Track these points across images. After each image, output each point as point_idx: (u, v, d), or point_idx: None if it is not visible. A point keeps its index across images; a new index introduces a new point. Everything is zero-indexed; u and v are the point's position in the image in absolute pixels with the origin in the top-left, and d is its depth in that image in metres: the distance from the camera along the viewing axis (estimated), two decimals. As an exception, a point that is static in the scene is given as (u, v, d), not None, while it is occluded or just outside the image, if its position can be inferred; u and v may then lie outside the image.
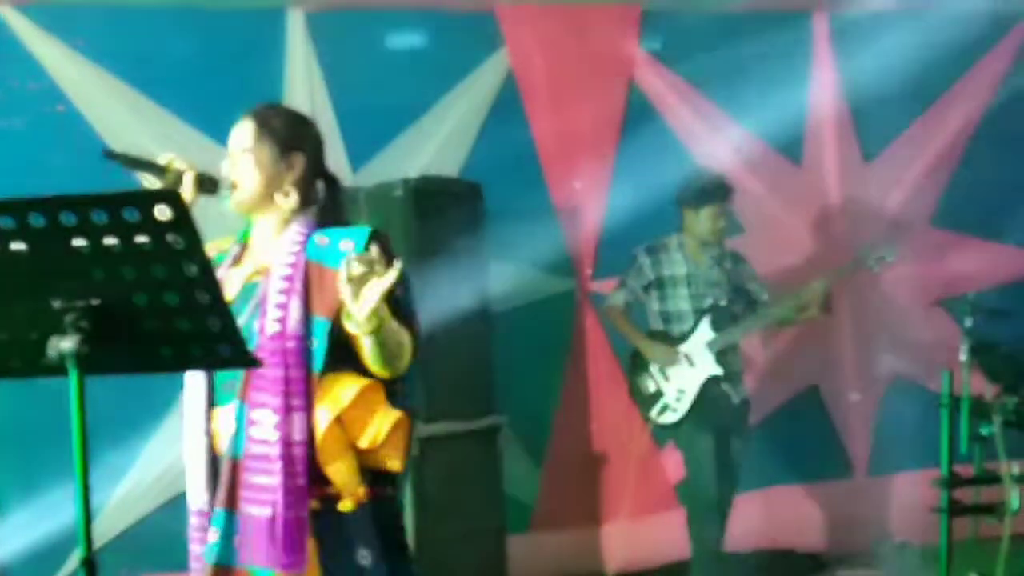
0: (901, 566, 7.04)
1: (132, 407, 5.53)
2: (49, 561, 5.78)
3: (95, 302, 2.54)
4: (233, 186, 3.32)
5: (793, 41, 7.21)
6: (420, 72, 6.58)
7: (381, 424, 3.22)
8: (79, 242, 2.48)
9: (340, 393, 3.20)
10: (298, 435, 3.16)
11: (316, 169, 3.44)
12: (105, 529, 5.80)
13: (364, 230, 3.30)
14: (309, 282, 3.23)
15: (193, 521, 3.34)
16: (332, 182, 3.48)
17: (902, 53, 6.83)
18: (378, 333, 3.03)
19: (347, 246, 3.23)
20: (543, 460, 6.98)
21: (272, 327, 3.18)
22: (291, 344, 3.18)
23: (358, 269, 2.92)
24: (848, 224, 7.40)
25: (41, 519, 5.63)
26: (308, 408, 3.19)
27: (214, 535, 3.21)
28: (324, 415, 3.18)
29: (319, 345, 3.19)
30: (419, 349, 3.34)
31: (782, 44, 7.04)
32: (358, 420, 3.22)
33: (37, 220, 2.46)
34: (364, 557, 3.26)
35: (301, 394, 3.18)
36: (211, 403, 3.32)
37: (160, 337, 2.62)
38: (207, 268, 2.54)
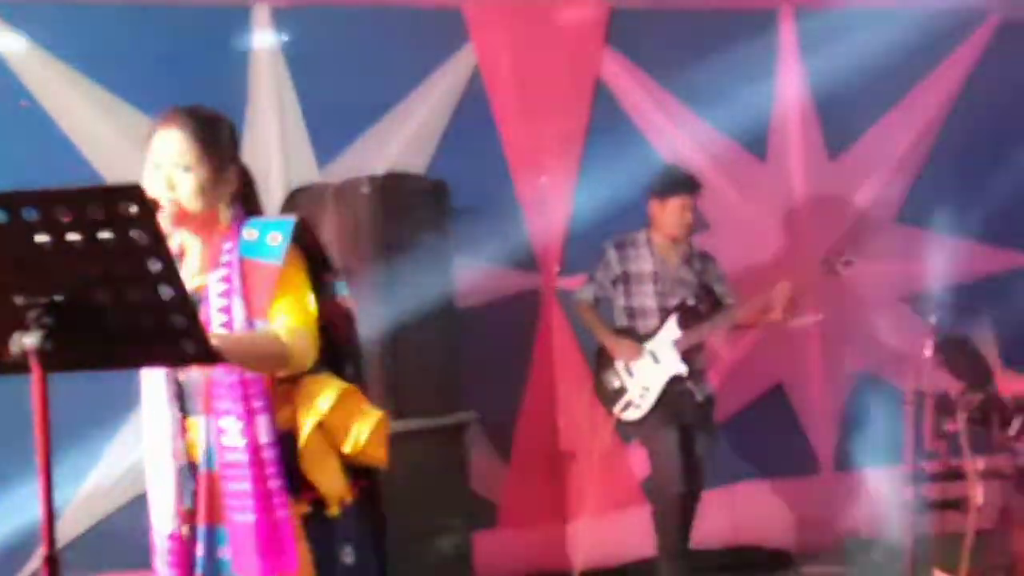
0: (867, 562, 7.06)
1: (96, 405, 5.49)
2: (12, 560, 5.75)
3: (58, 298, 2.53)
4: (174, 204, 3.20)
5: (759, 38, 7.22)
6: (386, 69, 6.56)
7: (362, 428, 3.24)
8: (42, 238, 2.46)
9: (319, 401, 3.20)
10: (264, 437, 3.15)
11: (241, 166, 3.40)
12: (69, 527, 5.77)
13: (288, 222, 3.25)
14: (247, 280, 3.20)
15: (163, 544, 3.28)
16: (249, 175, 3.44)
17: (868, 50, 6.85)
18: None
19: (275, 239, 3.21)
20: (510, 457, 6.97)
21: (218, 331, 3.14)
22: None
23: None
24: (813, 220, 7.41)
25: (4, 518, 5.60)
26: (270, 409, 3.17)
27: (200, 550, 3.20)
28: (306, 424, 3.19)
29: None
30: (353, 332, 3.38)
31: (748, 41, 7.05)
32: (339, 425, 3.24)
33: (-1, 215, 2.44)
34: (348, 555, 3.27)
35: (261, 395, 3.16)
36: (184, 413, 3.27)
37: (124, 334, 2.61)
38: (171, 264, 2.53)
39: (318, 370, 3.24)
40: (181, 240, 3.34)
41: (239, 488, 3.16)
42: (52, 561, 2.56)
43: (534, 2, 6.92)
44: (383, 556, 3.42)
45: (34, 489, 2.55)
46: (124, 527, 5.73)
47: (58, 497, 2.58)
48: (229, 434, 3.16)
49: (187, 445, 3.25)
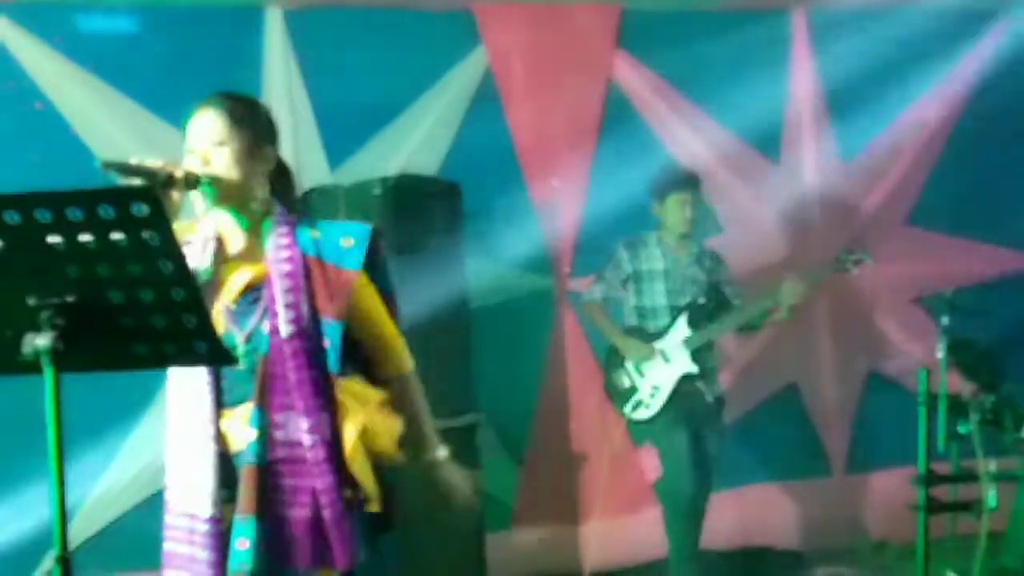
0: (879, 564, 7.06)
1: (109, 405, 5.51)
2: (25, 560, 5.76)
3: (70, 299, 2.54)
4: (212, 181, 3.25)
5: (772, 39, 7.22)
6: (398, 71, 6.56)
7: (395, 429, 3.38)
8: (54, 239, 2.48)
9: (360, 407, 3.28)
10: (329, 434, 3.19)
11: (279, 160, 3.43)
12: (82, 528, 5.80)
13: (365, 228, 3.32)
14: (311, 278, 3.23)
15: (183, 523, 3.26)
16: (288, 171, 3.48)
17: (881, 51, 6.84)
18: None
19: (348, 244, 3.25)
20: (522, 458, 6.98)
21: (286, 328, 3.17)
22: (310, 344, 3.19)
23: None
24: (825, 222, 7.41)
25: (16, 518, 5.61)
26: (332, 408, 3.20)
27: (245, 543, 3.17)
28: (350, 430, 3.24)
29: (332, 347, 3.20)
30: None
31: (761, 42, 7.06)
32: (375, 428, 3.31)
33: (12, 217, 2.46)
34: (367, 552, 3.31)
35: (326, 394, 3.20)
36: (219, 404, 3.27)
37: (136, 334, 2.62)
38: (183, 264, 2.54)
39: (353, 372, 3.29)
40: (218, 226, 3.36)
41: (295, 483, 3.17)
42: (65, 562, 2.57)
43: (546, 4, 6.92)
44: (387, 557, 3.47)
45: (47, 489, 2.56)
46: (137, 528, 5.74)
47: (71, 497, 2.59)
48: (288, 429, 3.18)
49: (218, 435, 3.26)
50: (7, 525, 5.69)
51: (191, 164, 3.27)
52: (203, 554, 3.23)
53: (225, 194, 3.28)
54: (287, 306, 3.19)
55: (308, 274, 3.23)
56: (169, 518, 3.30)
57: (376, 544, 3.39)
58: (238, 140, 3.28)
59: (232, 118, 3.30)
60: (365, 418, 3.26)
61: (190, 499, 3.26)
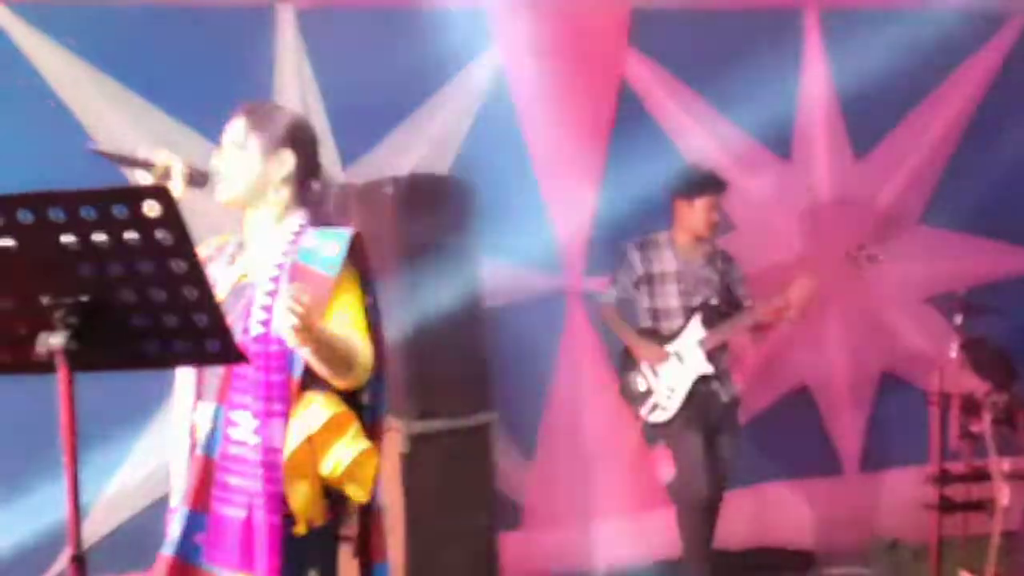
0: (891, 563, 7.05)
1: (121, 405, 5.51)
2: (38, 560, 5.76)
3: (84, 298, 2.55)
4: (220, 179, 3.32)
5: (784, 37, 7.21)
6: (411, 70, 6.55)
7: (343, 455, 3.20)
8: (68, 238, 2.48)
9: (312, 416, 3.19)
10: (277, 441, 3.16)
11: (309, 168, 3.43)
12: (94, 528, 5.79)
13: (344, 234, 3.30)
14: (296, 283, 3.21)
15: (171, 516, 3.33)
16: (327, 183, 3.49)
17: (893, 49, 6.82)
18: (311, 348, 3.02)
19: (332, 249, 3.25)
20: (534, 457, 6.97)
21: (256, 328, 3.18)
22: (274, 347, 3.18)
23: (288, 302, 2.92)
24: (838, 221, 7.39)
25: (29, 518, 5.61)
26: (287, 415, 3.18)
27: (175, 531, 3.21)
28: (295, 436, 3.17)
29: (298, 355, 3.17)
30: (382, 361, 3.34)
31: (773, 40, 7.05)
32: (324, 446, 3.21)
33: (26, 216, 2.46)
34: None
35: (281, 399, 3.18)
36: (199, 396, 3.31)
37: (148, 333, 2.62)
38: (195, 264, 2.54)
39: (324, 388, 3.24)
40: (245, 236, 3.41)
41: (236, 483, 3.17)
42: (79, 561, 2.57)
43: (558, 3, 6.91)
44: None
45: (60, 489, 2.56)
46: (150, 527, 5.71)
47: (84, 497, 2.59)
48: (240, 428, 3.18)
49: (192, 428, 3.30)
50: (20, 525, 5.68)
51: (214, 162, 3.36)
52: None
53: (235, 194, 3.35)
54: (262, 307, 3.21)
55: (294, 280, 3.21)
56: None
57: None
58: (253, 143, 3.35)
59: (250, 121, 3.37)
60: (310, 431, 3.18)
61: (173, 490, 3.34)
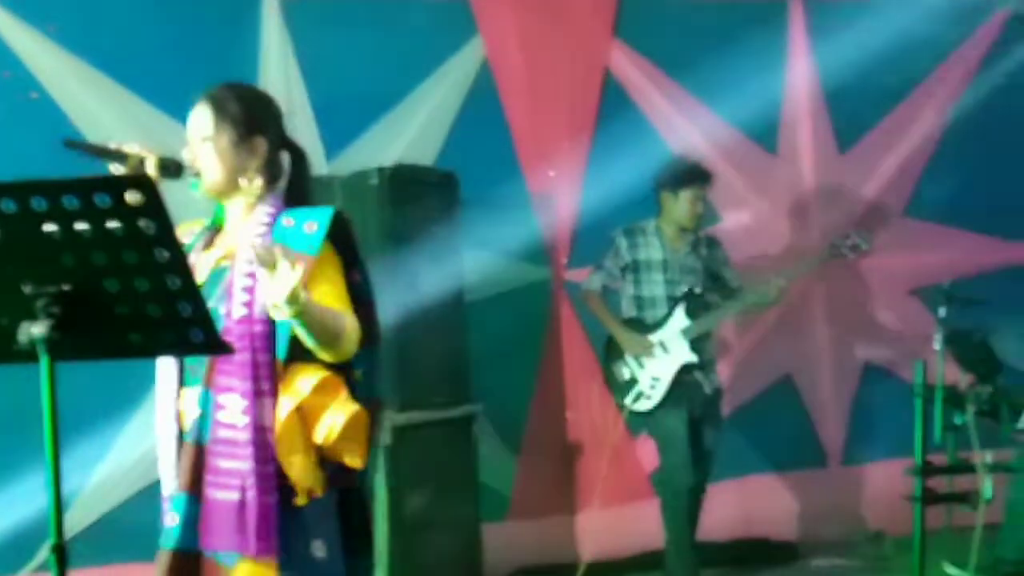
0: (875, 555, 7.06)
1: (106, 394, 5.50)
2: (21, 550, 5.75)
3: (66, 288, 2.53)
4: (197, 174, 3.27)
5: (769, 29, 7.22)
6: (395, 60, 6.55)
7: (335, 418, 3.18)
8: (50, 227, 2.47)
9: (299, 384, 3.18)
10: (268, 420, 3.15)
11: (279, 144, 3.41)
12: (78, 518, 5.78)
13: (327, 211, 3.26)
14: None
15: (166, 506, 3.31)
16: (298, 154, 3.45)
17: (879, 42, 6.83)
18: (299, 318, 2.99)
19: (311, 228, 3.22)
20: (518, 449, 6.98)
21: (239, 311, 3.16)
22: (258, 328, 3.16)
23: (263, 257, 2.89)
24: (823, 213, 7.41)
25: (12, 507, 5.60)
26: (275, 393, 3.17)
27: (173, 519, 3.20)
28: (284, 406, 3.16)
29: (282, 330, 3.16)
30: (374, 337, 3.33)
31: (758, 32, 7.05)
32: (315, 413, 3.20)
33: (8, 205, 2.44)
34: (319, 548, 3.24)
35: (269, 379, 3.17)
36: (181, 383, 3.30)
37: (131, 322, 2.61)
38: (178, 253, 2.53)
39: (312, 361, 3.23)
40: (226, 216, 3.38)
41: (227, 466, 3.15)
42: (60, 551, 2.57)
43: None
44: (357, 559, 3.39)
45: (42, 479, 2.56)
46: (134, 518, 5.74)
47: (67, 487, 2.59)
48: (229, 411, 3.16)
49: (178, 414, 3.28)
50: (3, 515, 5.67)
51: (186, 156, 3.29)
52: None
53: (210, 188, 3.30)
54: (243, 289, 3.18)
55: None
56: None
57: (352, 547, 3.36)
58: (224, 135, 3.28)
59: (218, 112, 3.29)
60: (301, 401, 3.17)
61: (162, 479, 3.32)
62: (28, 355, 2.52)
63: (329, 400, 3.20)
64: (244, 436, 3.13)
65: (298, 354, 3.17)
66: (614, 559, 6.81)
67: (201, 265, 3.28)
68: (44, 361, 2.50)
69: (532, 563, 6.76)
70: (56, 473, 2.53)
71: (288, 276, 2.88)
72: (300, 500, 3.20)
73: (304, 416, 3.19)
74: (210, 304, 3.04)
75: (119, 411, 5.89)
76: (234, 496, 3.14)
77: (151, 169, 3.19)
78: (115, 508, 6.02)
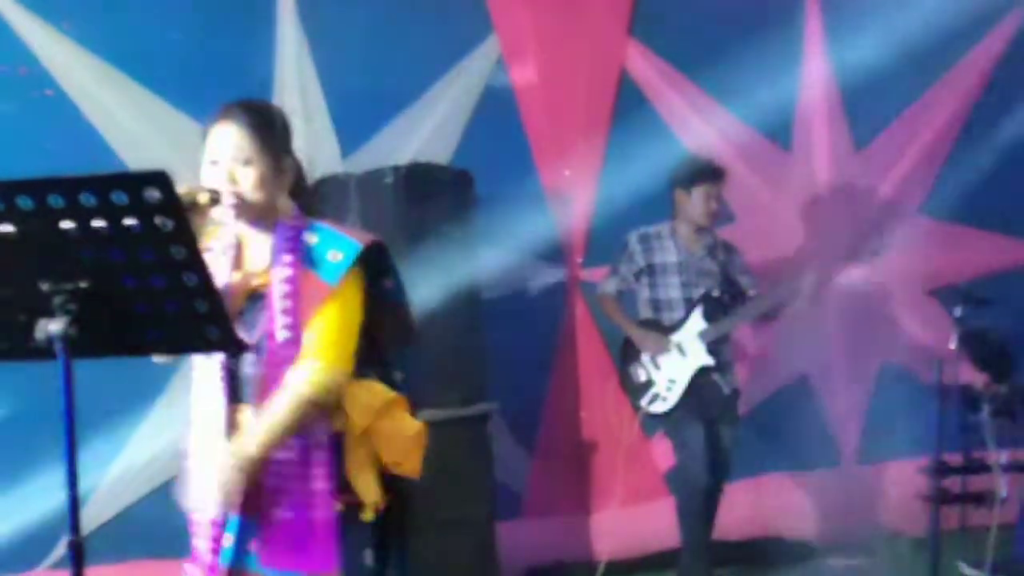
0: (890, 555, 7.05)
1: (122, 392, 5.51)
2: (38, 546, 5.76)
3: (83, 285, 2.54)
4: (236, 197, 3.22)
5: (784, 28, 7.19)
6: (411, 58, 6.55)
7: (406, 441, 3.32)
8: (67, 224, 2.48)
9: (367, 406, 3.24)
10: (319, 436, 3.17)
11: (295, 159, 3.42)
12: (94, 515, 5.79)
13: (355, 247, 3.26)
14: (300, 288, 3.22)
15: (207, 531, 3.28)
16: (300, 170, 3.47)
17: (894, 40, 6.82)
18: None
19: (335, 257, 3.23)
20: (533, 448, 6.98)
21: (282, 334, 3.18)
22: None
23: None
24: (838, 212, 7.39)
25: (30, 504, 5.61)
26: (326, 410, 3.20)
27: (229, 540, 3.21)
28: (355, 429, 3.23)
29: None
30: (411, 338, 3.38)
31: (774, 31, 7.03)
32: (384, 434, 3.28)
33: (25, 202, 2.45)
34: (370, 557, 3.29)
35: None
36: (231, 400, 3.27)
37: (148, 320, 2.62)
38: (195, 251, 2.54)
39: (366, 373, 3.25)
40: (238, 232, 3.36)
41: (283, 485, 3.19)
42: (78, 547, 2.58)
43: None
44: (404, 563, 3.46)
45: (59, 475, 2.56)
46: (150, 515, 5.75)
47: (84, 484, 2.59)
48: None
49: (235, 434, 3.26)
50: (20, 511, 5.69)
51: (214, 177, 3.24)
52: (209, 557, 3.28)
53: (250, 212, 3.27)
54: (283, 312, 3.20)
55: (299, 284, 3.22)
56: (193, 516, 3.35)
57: (385, 551, 3.38)
58: (264, 161, 3.25)
59: (257, 136, 3.25)
60: (366, 422, 3.24)
61: (200, 500, 3.28)
62: (45, 352, 2.52)
63: (396, 422, 3.30)
64: (298, 456, 3.15)
65: (365, 367, 3.22)
66: (629, 558, 6.80)
67: (219, 273, 3.25)
68: (61, 358, 2.51)
69: (547, 562, 6.77)
70: (74, 470, 2.54)
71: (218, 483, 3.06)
72: (367, 516, 3.27)
73: (371, 437, 3.25)
74: (258, 331, 3.07)
75: (136, 408, 5.90)
76: (289, 515, 3.17)
77: (203, 200, 3.11)
78: (132, 504, 6.03)
